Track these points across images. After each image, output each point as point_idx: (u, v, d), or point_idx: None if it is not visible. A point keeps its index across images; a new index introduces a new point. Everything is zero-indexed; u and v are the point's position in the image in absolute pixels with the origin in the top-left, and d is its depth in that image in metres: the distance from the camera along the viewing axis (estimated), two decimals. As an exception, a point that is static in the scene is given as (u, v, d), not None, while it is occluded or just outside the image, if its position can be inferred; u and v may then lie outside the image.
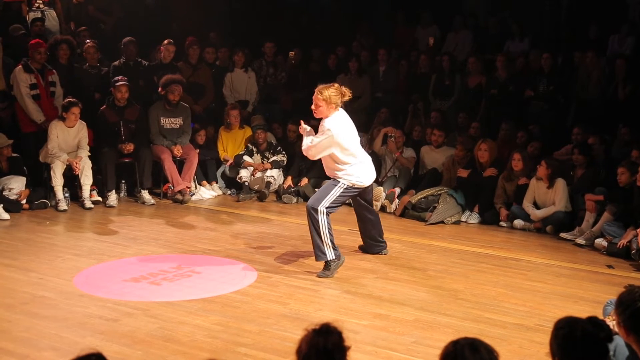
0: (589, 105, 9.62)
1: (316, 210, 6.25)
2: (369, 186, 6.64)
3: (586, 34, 10.84)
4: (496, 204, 8.52)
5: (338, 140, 6.25)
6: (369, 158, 6.65)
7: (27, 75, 8.83)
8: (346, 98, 6.36)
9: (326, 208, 6.27)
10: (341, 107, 6.40)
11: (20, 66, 8.86)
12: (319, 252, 6.23)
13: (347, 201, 6.93)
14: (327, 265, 6.24)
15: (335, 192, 6.34)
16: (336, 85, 6.37)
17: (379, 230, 6.95)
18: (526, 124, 9.54)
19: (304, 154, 6.57)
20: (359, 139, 6.58)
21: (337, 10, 13.07)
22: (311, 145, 6.34)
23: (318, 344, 2.65)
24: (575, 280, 6.35)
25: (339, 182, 6.38)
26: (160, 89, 9.37)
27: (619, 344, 3.58)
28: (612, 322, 3.82)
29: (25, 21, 10.68)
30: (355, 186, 6.43)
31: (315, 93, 6.29)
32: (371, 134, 9.81)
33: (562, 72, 10.07)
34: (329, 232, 6.23)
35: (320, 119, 6.44)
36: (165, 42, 9.94)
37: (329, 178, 9.41)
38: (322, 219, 6.23)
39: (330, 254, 6.22)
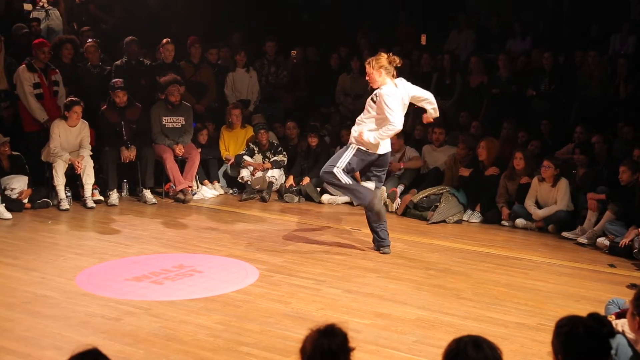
0: (591, 104, 9.62)
1: (331, 172, 6.64)
2: (377, 159, 6.74)
3: (588, 33, 10.83)
4: (498, 203, 8.52)
5: (387, 102, 6.46)
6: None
7: (30, 74, 8.84)
8: (396, 63, 6.61)
9: (341, 169, 6.60)
10: (395, 77, 6.64)
11: (24, 65, 8.87)
12: (356, 197, 6.72)
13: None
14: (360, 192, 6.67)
15: (348, 154, 6.66)
16: (383, 53, 6.66)
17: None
18: (528, 123, 9.55)
19: (391, 129, 6.56)
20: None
21: (338, 9, 13.07)
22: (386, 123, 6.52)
23: (322, 345, 2.65)
24: (577, 279, 6.35)
25: (350, 145, 6.70)
26: (160, 95, 9.38)
27: (620, 343, 3.59)
28: (615, 322, 3.82)
29: (27, 20, 10.68)
30: (367, 151, 6.62)
31: (366, 65, 6.67)
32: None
33: (563, 71, 10.07)
34: (349, 180, 6.61)
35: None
36: (164, 41, 9.91)
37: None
38: (339, 174, 6.62)
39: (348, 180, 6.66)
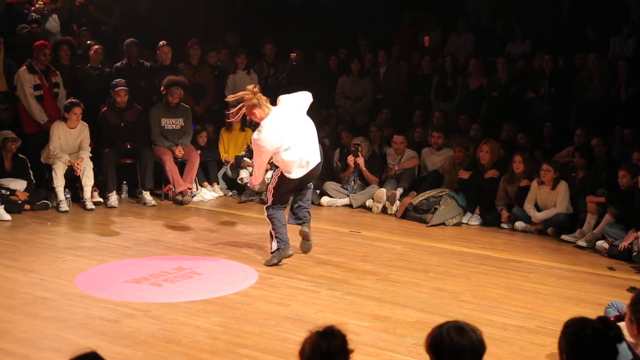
0: (591, 107, 9.62)
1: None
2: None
3: (587, 36, 10.84)
4: (497, 206, 8.52)
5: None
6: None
7: (31, 75, 8.84)
8: (257, 92, 6.27)
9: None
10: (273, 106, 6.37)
11: (24, 67, 8.88)
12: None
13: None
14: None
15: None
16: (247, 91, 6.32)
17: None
18: (527, 126, 9.55)
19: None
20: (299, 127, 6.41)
21: (338, 11, 13.07)
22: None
23: (321, 346, 2.66)
24: (576, 282, 6.35)
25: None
26: (162, 88, 9.37)
27: (621, 346, 3.58)
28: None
29: (28, 22, 10.68)
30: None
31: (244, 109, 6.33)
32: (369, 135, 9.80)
33: (563, 74, 10.07)
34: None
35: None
36: (160, 44, 9.91)
37: (331, 179, 9.54)
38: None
39: None
